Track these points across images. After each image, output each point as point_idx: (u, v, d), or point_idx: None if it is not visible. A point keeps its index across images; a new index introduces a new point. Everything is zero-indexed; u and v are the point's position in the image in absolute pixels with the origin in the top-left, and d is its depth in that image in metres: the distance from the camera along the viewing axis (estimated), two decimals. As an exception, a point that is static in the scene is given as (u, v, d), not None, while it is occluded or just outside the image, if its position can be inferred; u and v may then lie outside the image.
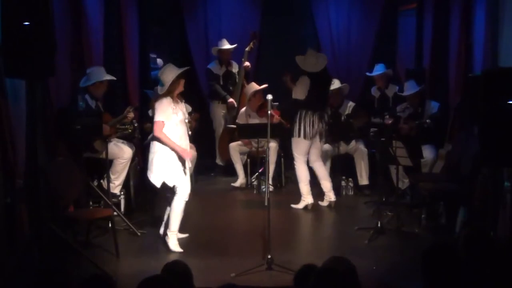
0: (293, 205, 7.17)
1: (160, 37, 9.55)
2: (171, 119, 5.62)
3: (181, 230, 5.98)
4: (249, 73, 8.79)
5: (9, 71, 4.68)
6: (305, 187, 7.11)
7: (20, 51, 4.55)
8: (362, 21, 9.19)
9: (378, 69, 8.13)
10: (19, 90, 5.13)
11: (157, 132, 5.60)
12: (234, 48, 8.69)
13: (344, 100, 8.01)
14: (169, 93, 5.61)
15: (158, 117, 5.60)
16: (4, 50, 4.59)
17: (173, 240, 5.73)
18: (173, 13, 9.42)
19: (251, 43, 8.67)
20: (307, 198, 7.12)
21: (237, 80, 8.73)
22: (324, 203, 7.24)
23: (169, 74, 5.60)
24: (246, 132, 7.94)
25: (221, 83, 8.73)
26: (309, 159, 7.13)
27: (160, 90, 5.64)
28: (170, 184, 5.70)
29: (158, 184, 5.70)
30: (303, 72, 6.92)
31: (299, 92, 6.95)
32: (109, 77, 6.62)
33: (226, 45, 8.66)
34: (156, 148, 5.68)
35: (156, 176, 5.67)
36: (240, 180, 8.20)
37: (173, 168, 5.67)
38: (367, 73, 8.36)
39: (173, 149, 5.63)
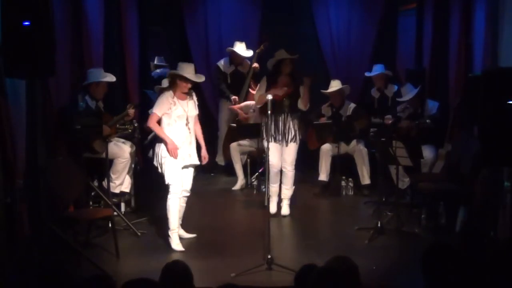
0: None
1: (160, 37, 9.54)
2: (170, 113, 5.72)
3: (185, 230, 6.02)
4: (257, 74, 8.73)
5: (9, 71, 4.68)
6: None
7: (20, 51, 4.55)
8: (362, 21, 9.17)
9: (377, 69, 8.09)
10: (19, 90, 5.13)
11: (149, 122, 5.80)
12: (247, 55, 8.59)
13: (345, 101, 7.98)
14: (170, 87, 5.78)
15: (153, 109, 5.79)
16: (4, 50, 4.59)
17: (175, 239, 5.73)
18: (173, 13, 9.41)
19: (262, 45, 8.61)
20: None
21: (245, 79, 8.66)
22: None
23: (183, 71, 5.71)
24: (244, 132, 7.93)
25: (229, 81, 8.69)
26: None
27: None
28: (166, 181, 5.74)
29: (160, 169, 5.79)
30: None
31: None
32: (107, 78, 6.59)
33: (240, 50, 8.54)
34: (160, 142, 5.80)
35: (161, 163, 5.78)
36: (240, 182, 8.15)
37: (168, 165, 5.72)
38: (366, 73, 8.34)
39: (163, 141, 5.72)
